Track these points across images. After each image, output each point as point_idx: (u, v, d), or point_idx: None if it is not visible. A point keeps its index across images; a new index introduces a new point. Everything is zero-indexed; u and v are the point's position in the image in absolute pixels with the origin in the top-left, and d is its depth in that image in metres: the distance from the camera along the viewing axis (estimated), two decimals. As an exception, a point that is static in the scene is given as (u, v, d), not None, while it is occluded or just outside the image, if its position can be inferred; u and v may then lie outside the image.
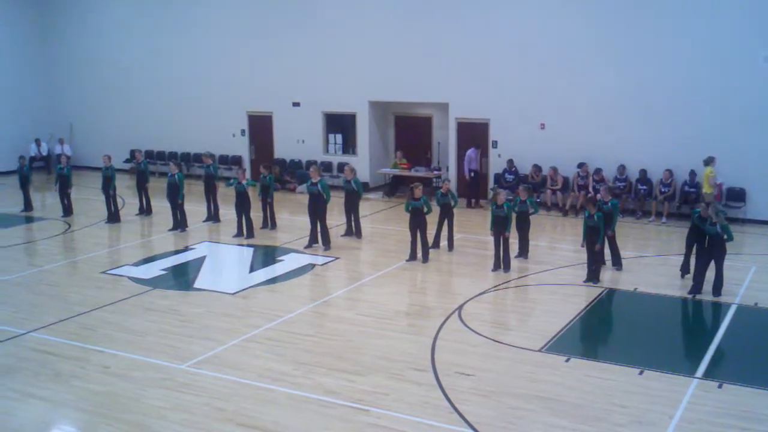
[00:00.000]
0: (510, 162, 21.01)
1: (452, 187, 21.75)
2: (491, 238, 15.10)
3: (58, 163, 20.84)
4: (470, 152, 21.13)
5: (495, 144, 21.61)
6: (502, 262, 14.84)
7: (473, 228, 18.50)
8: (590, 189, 19.63)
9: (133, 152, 21.87)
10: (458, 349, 10.99)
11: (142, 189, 20.22)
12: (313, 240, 16.78)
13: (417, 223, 15.43)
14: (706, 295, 13.17)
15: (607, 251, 14.72)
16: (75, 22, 28.40)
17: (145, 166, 20.31)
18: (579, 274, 14.31)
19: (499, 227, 14.74)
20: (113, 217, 19.56)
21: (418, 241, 15.56)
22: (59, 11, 28.63)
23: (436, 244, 16.30)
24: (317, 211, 16.67)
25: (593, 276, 13.98)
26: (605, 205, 14.41)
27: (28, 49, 28.41)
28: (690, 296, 13.17)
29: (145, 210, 20.32)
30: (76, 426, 9.13)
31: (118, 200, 20.08)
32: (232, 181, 18.05)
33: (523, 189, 15.63)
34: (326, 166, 24.06)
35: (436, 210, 16.16)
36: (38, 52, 28.71)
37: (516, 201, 15.42)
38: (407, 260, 15.54)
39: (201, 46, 25.90)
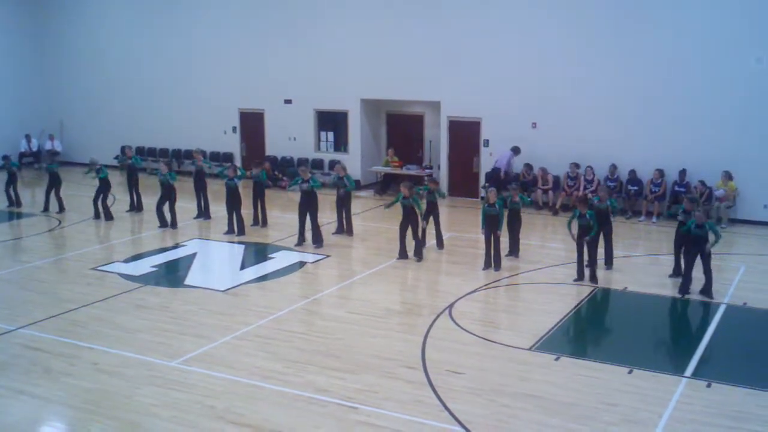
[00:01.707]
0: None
1: (444, 185, 21.92)
2: (482, 236, 15.12)
3: (49, 161, 20.76)
4: (508, 155, 20.85)
5: (486, 143, 21.64)
6: (492, 261, 14.87)
7: (464, 226, 18.53)
8: (581, 188, 19.74)
9: (123, 148, 21.78)
10: (449, 348, 11.01)
11: (132, 186, 20.16)
12: (302, 238, 16.77)
13: (408, 222, 15.44)
14: (695, 295, 13.24)
15: (600, 251, 14.76)
16: (68, 19, 28.27)
17: (136, 163, 20.27)
18: (569, 273, 14.35)
19: (491, 226, 14.76)
20: (108, 214, 19.48)
21: (407, 240, 15.56)
22: (53, 8, 28.48)
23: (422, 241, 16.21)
24: (310, 209, 16.66)
25: (592, 276, 13.97)
26: (602, 204, 14.46)
27: (20, 45, 28.25)
28: (680, 295, 13.23)
29: (136, 207, 20.26)
30: (67, 423, 9.12)
31: (109, 198, 19.90)
32: (222, 171, 18.04)
33: (513, 187, 15.67)
34: (317, 164, 24.07)
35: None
36: (31, 48, 28.56)
37: (507, 198, 15.48)
38: (397, 259, 15.55)
39: (193, 44, 25.84)
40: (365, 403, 9.27)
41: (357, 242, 17.26)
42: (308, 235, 16.82)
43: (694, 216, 13.16)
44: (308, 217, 16.73)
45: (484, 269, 14.84)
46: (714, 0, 18.62)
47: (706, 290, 13.15)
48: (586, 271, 14.14)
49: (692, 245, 13.21)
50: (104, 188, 19.29)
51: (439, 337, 11.44)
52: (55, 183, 20.10)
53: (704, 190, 18.52)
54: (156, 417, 9.00)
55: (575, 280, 14.02)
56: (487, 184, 20.53)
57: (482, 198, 21.10)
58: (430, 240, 16.36)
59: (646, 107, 19.42)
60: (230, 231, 17.78)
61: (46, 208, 20.31)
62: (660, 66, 19.17)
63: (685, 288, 13.29)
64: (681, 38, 18.90)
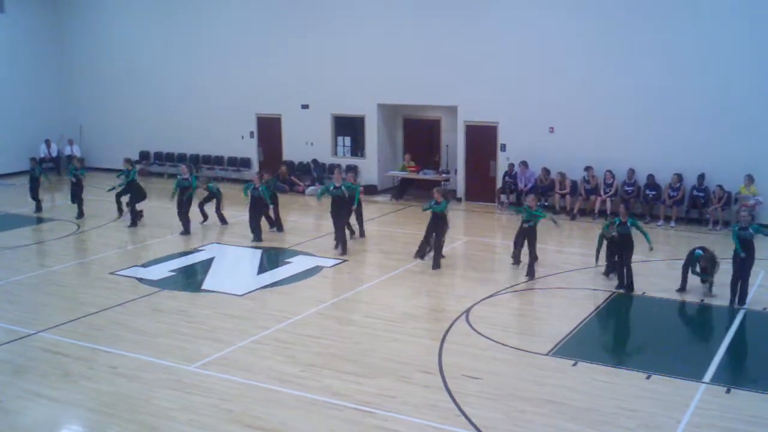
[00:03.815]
0: (511, 165, 21.17)
1: (461, 190, 21.93)
2: (498, 242, 14.98)
3: (69, 163, 20.78)
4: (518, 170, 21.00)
5: (504, 147, 21.61)
6: (530, 269, 14.73)
7: (481, 231, 18.49)
8: (601, 192, 19.72)
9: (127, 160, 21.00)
10: (466, 352, 11.00)
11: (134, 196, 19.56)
12: (343, 245, 16.60)
13: (435, 227, 15.39)
14: (714, 300, 13.14)
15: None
16: (86, 24, 28.51)
17: (132, 175, 19.53)
18: (587, 278, 14.29)
19: (530, 232, 14.64)
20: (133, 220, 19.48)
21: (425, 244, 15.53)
22: (72, 13, 28.73)
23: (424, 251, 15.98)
24: (340, 214, 16.65)
25: (629, 285, 13.76)
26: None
27: (40, 51, 28.50)
28: (739, 305, 12.91)
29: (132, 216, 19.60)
30: (85, 426, 9.18)
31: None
32: (248, 185, 18.00)
33: (533, 198, 15.37)
34: (334, 169, 24.08)
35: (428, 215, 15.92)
36: (50, 54, 28.81)
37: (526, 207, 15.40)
38: (414, 256, 15.44)
39: (211, 49, 25.98)
40: (382, 408, 9.28)
41: (373, 247, 17.26)
42: (329, 238, 16.86)
43: (739, 218, 13.07)
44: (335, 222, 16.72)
45: (529, 279, 14.61)
46: (729, 3, 18.53)
47: (742, 297, 12.97)
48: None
49: (742, 251, 12.94)
50: (131, 190, 19.31)
51: (455, 341, 11.42)
52: (78, 188, 20.18)
53: (723, 195, 18.42)
54: (173, 420, 9.05)
55: (618, 288, 13.76)
56: (524, 188, 20.52)
57: (501, 203, 21.16)
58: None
59: (665, 111, 19.30)
60: (257, 239, 17.71)
61: (81, 214, 20.36)
62: (678, 70, 19.07)
63: (743, 296, 13.00)
64: (697, 42, 18.78)
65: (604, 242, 14.26)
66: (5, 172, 27.05)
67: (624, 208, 13.94)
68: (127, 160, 19.64)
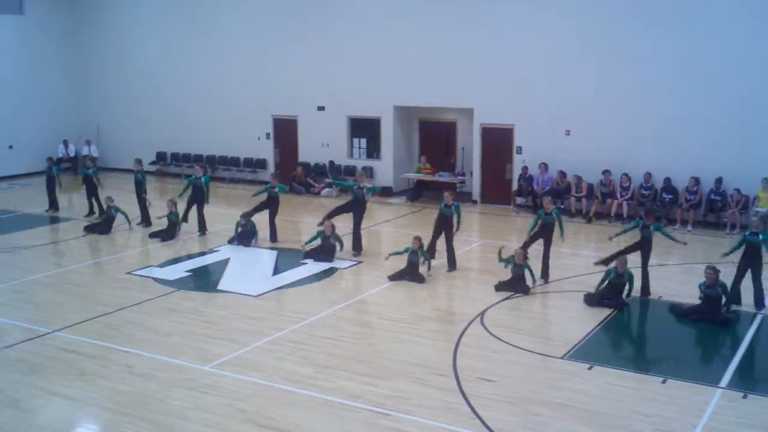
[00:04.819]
0: (525, 168, 21.17)
1: (476, 192, 21.91)
2: (513, 245, 14.86)
3: (84, 165, 20.90)
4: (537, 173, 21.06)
5: (519, 150, 21.55)
6: (542, 272, 14.65)
7: (496, 234, 18.44)
8: (618, 196, 19.64)
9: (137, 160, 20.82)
10: (480, 355, 10.97)
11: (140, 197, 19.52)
12: (358, 246, 16.63)
13: (444, 229, 15.34)
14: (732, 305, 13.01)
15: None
16: (103, 25, 28.71)
17: (143, 176, 19.44)
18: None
19: (548, 234, 14.61)
20: (146, 219, 19.55)
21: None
22: (88, 14, 28.94)
23: (432, 254, 15.63)
24: (356, 215, 16.69)
25: (645, 289, 13.72)
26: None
27: (58, 52, 28.75)
28: (725, 309, 12.74)
29: (142, 220, 19.55)
30: (100, 424, 9.22)
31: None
32: (264, 188, 18.01)
33: (549, 200, 15.26)
34: (350, 170, 24.13)
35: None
36: (67, 54, 29.04)
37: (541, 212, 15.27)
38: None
39: (227, 50, 26.08)
40: (396, 410, 9.26)
41: (389, 249, 17.20)
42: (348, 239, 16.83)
43: (751, 224, 13.01)
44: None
45: (545, 281, 14.57)
46: (746, 5, 18.41)
47: (757, 301, 12.90)
48: None
49: (746, 255, 12.95)
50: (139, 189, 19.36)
51: (470, 344, 11.39)
52: (92, 187, 20.31)
53: (740, 198, 18.30)
54: (187, 420, 9.08)
55: (642, 296, 13.67)
56: (541, 190, 20.50)
57: (516, 206, 21.13)
58: (440, 257, 15.72)
59: (682, 114, 19.19)
60: (273, 239, 17.82)
61: (90, 212, 20.53)
62: (695, 73, 18.94)
63: (736, 301, 12.90)
64: (714, 45, 18.64)
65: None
66: (24, 173, 27.26)
67: (648, 213, 13.87)
68: (138, 161, 19.70)
